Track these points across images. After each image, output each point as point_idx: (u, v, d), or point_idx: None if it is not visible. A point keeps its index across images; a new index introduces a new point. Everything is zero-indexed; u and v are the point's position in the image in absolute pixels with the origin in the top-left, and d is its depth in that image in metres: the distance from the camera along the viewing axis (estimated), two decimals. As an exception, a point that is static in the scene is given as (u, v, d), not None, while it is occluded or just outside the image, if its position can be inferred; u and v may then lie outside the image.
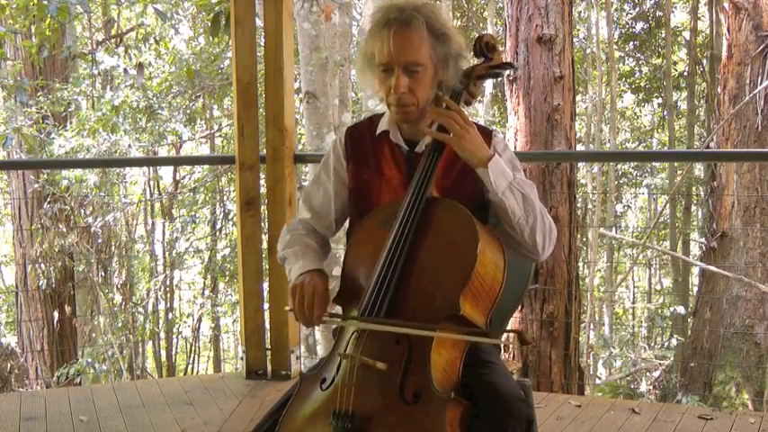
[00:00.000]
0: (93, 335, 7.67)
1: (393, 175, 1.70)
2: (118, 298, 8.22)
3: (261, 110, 3.55)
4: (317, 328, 6.19)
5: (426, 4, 1.63)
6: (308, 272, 1.64)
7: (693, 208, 11.41)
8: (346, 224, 1.85)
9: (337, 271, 1.73)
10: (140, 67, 6.77)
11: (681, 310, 8.91)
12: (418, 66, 1.60)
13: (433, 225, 1.55)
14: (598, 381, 8.92)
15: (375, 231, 1.60)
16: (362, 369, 1.44)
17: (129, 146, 6.89)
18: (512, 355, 5.11)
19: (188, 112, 8.22)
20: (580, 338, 6.31)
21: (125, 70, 6.97)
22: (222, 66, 7.90)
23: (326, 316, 1.58)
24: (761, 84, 6.49)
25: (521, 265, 1.83)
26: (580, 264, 8.57)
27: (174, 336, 9.74)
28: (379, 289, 1.50)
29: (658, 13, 10.68)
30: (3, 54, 6.64)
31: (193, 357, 10.27)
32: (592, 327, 8.79)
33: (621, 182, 11.80)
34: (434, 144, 1.60)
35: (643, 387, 8.97)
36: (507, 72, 5.31)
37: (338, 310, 1.66)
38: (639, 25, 11.18)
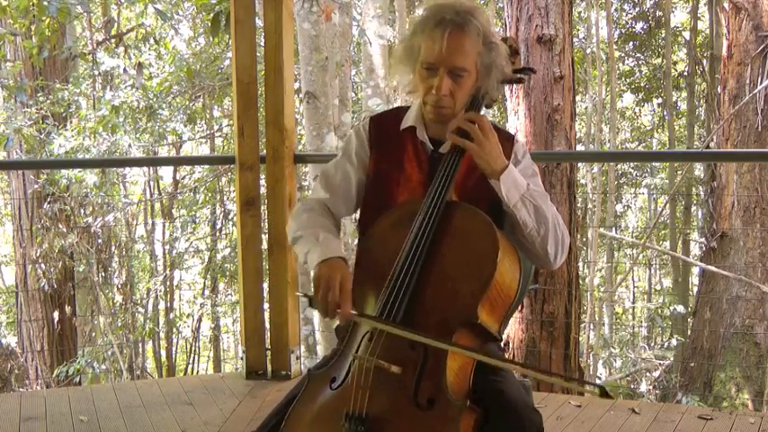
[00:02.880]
0: (93, 335, 7.67)
1: (413, 172, 1.66)
2: (118, 298, 8.21)
3: (261, 110, 3.55)
4: (317, 328, 6.19)
5: (479, 9, 1.59)
6: (330, 259, 1.54)
7: (693, 208, 11.41)
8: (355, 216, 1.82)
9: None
10: (139, 66, 6.76)
11: (681, 310, 8.93)
12: (464, 71, 1.57)
13: (453, 230, 1.52)
14: (598, 381, 8.91)
15: (392, 232, 1.57)
16: (376, 372, 1.41)
17: (130, 146, 6.89)
18: (512, 356, 5.11)
19: (188, 112, 8.21)
20: (580, 338, 6.31)
21: (124, 70, 6.95)
22: (222, 66, 7.90)
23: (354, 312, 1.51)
24: (761, 84, 6.48)
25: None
26: (580, 264, 8.56)
27: (174, 336, 9.75)
28: (397, 292, 1.47)
29: (658, 13, 10.68)
30: (3, 55, 6.63)
31: (193, 357, 10.28)
32: (592, 327, 8.79)
33: (621, 182, 11.80)
34: (456, 147, 1.58)
35: (643, 387, 8.97)
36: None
37: None
38: (639, 25, 11.18)
